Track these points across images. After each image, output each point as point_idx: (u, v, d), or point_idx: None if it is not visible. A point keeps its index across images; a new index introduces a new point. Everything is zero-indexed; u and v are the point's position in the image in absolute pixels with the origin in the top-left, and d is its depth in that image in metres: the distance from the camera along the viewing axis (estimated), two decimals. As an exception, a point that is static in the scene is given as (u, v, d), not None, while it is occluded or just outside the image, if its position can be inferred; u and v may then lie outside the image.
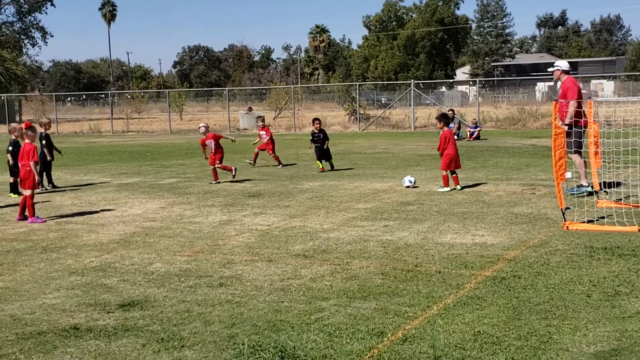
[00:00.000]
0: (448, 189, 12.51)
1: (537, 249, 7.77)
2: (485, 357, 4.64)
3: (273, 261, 7.57)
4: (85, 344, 5.07)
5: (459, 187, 12.60)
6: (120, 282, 6.87)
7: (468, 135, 27.38)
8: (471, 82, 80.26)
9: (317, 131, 16.95)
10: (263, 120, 19.37)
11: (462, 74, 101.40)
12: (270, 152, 18.33)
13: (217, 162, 14.83)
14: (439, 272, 6.85)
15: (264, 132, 18.56)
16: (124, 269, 7.38)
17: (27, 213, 10.50)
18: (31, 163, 10.42)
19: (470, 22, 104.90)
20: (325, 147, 16.70)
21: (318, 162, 16.70)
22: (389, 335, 5.08)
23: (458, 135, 27.37)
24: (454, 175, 12.74)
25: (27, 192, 10.45)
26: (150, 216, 10.79)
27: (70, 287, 6.71)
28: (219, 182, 14.62)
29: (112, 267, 7.47)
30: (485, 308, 5.67)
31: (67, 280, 6.95)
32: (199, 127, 15.86)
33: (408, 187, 13.10)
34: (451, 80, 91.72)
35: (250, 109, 47.42)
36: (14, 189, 13.34)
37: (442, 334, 5.07)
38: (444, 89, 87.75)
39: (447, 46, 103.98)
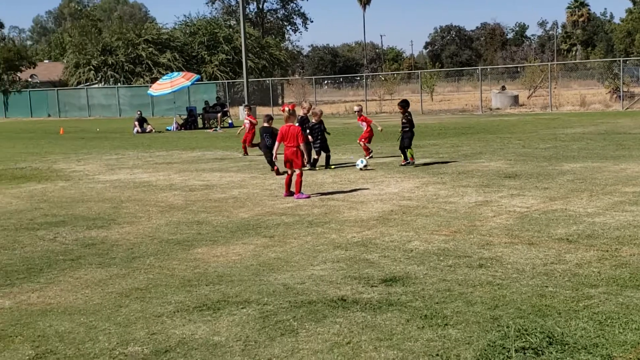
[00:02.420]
0: None
1: None
2: None
3: (534, 244, 7.34)
4: (353, 315, 5.30)
5: None
6: (381, 257, 7.08)
7: None
8: None
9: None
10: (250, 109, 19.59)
11: None
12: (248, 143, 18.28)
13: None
14: None
15: (248, 120, 18.53)
16: (384, 245, 7.59)
17: (292, 189, 11.19)
18: (301, 145, 11.11)
19: None
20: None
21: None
22: (669, 328, 4.71)
23: None
24: None
25: (297, 171, 11.15)
26: (406, 195, 10.98)
27: (336, 260, 7.04)
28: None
29: (372, 243, 7.71)
30: None
31: (332, 254, 7.31)
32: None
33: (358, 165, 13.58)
34: None
35: (503, 88, 46.26)
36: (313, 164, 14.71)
37: None
38: None
39: None
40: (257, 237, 8.31)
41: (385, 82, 55.40)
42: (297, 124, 12.13)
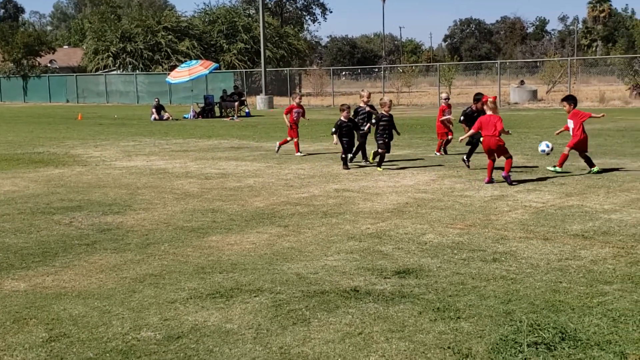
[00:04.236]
0: (560, 169, 12.15)
1: None
2: None
3: (549, 240, 7.31)
4: (365, 306, 5.30)
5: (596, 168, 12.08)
6: (395, 249, 7.07)
7: None
8: None
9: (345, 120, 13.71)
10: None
11: None
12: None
13: None
14: None
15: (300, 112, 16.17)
16: (398, 238, 7.58)
17: (494, 175, 11.30)
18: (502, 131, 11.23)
19: None
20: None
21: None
22: (683, 327, 4.67)
23: None
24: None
25: (505, 158, 11.31)
26: (421, 188, 10.95)
27: (349, 251, 7.05)
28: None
29: (387, 235, 7.71)
30: None
31: (346, 245, 7.31)
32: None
33: (544, 151, 12.78)
34: None
35: (522, 83, 45.93)
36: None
37: None
38: None
39: None
40: (272, 226, 8.32)
41: (403, 74, 55.11)
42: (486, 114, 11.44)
